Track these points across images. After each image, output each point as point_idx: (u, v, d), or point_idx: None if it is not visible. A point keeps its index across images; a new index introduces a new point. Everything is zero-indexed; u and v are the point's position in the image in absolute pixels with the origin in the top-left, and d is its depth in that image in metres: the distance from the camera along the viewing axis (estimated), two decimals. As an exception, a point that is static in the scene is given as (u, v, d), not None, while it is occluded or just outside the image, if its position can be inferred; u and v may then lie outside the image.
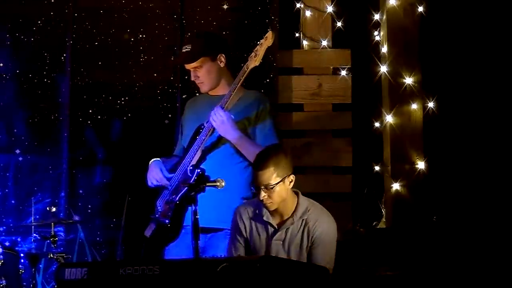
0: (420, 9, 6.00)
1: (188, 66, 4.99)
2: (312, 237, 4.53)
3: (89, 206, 6.21)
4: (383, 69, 6.01)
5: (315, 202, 4.68)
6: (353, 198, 6.17)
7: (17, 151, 6.22)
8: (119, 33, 6.29)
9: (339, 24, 6.29)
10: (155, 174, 4.94)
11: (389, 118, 5.94)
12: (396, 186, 5.86)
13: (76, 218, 6.14)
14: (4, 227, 6.14)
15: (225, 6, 6.29)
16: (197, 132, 4.92)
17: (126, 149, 6.12)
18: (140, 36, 6.28)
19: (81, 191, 6.23)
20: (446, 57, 5.98)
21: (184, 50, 4.99)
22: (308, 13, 6.33)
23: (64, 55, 6.29)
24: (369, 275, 5.41)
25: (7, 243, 5.95)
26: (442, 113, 5.93)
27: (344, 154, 6.22)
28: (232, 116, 4.83)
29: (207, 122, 4.87)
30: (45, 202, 6.12)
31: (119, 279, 3.99)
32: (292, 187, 4.64)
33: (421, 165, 5.86)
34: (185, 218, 4.84)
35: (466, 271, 5.39)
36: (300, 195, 4.65)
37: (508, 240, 5.52)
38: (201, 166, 4.79)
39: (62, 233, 6.10)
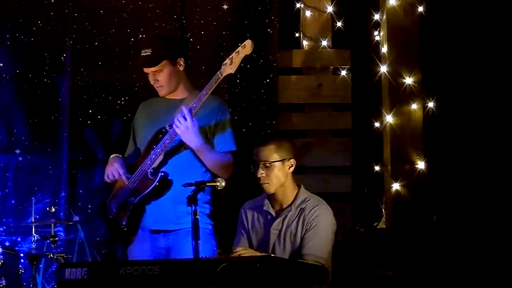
0: (420, 9, 6.00)
1: (148, 70, 4.96)
2: (306, 224, 4.53)
3: (89, 206, 6.21)
4: (383, 69, 6.01)
5: (316, 195, 4.70)
6: (353, 198, 6.17)
7: (17, 151, 6.23)
8: (119, 33, 6.30)
9: (339, 24, 6.29)
10: (116, 169, 4.93)
11: (389, 118, 5.94)
12: (396, 186, 5.86)
13: (76, 218, 6.15)
14: (4, 227, 6.14)
15: (225, 6, 6.29)
16: (158, 135, 4.90)
17: (126, 149, 6.12)
18: (140, 36, 6.28)
19: (81, 191, 6.24)
20: (446, 57, 5.98)
21: (144, 54, 4.92)
22: (308, 13, 6.33)
23: (64, 55, 6.30)
24: (369, 275, 5.41)
25: (7, 243, 5.96)
26: (442, 113, 5.93)
27: (344, 154, 6.22)
28: (197, 123, 4.80)
29: (169, 126, 4.85)
30: (45, 202, 6.12)
31: (119, 279, 3.99)
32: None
33: (421, 165, 5.86)
34: (142, 220, 4.86)
35: (466, 271, 5.39)
36: (302, 188, 4.68)
37: (508, 240, 5.52)
38: (163, 170, 4.79)
39: (62, 233, 6.10)
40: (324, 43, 6.29)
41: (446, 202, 5.84)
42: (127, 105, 6.25)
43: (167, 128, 4.86)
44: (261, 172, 4.58)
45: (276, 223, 4.61)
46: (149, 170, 4.82)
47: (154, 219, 4.84)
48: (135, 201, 4.82)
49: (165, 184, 4.75)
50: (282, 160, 4.59)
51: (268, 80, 6.22)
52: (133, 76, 6.25)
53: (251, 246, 4.69)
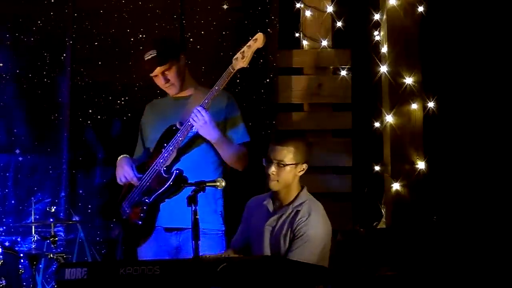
0: (420, 9, 6.00)
1: (159, 70, 4.96)
2: (295, 228, 4.52)
3: (89, 206, 6.21)
4: (383, 69, 6.01)
5: (317, 201, 4.69)
6: (353, 198, 6.17)
7: (17, 151, 6.23)
8: (119, 33, 6.30)
9: (339, 24, 6.29)
10: (126, 172, 4.94)
11: (389, 118, 5.94)
12: (396, 186, 5.86)
13: (76, 218, 6.15)
14: (4, 227, 6.14)
15: (225, 6, 6.29)
16: (168, 133, 4.90)
17: (126, 149, 6.12)
18: (140, 36, 6.28)
19: (81, 191, 6.24)
20: (446, 57, 5.98)
21: (149, 57, 4.93)
22: (308, 13, 6.33)
23: (64, 55, 6.30)
24: (369, 275, 5.41)
25: (7, 243, 5.96)
26: (442, 113, 5.93)
27: (344, 154, 6.22)
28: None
29: (180, 123, 4.86)
30: (45, 202, 6.12)
31: (119, 279, 3.99)
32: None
33: (421, 165, 5.86)
34: (157, 219, 4.86)
35: (466, 271, 5.39)
36: (305, 189, 4.67)
37: (508, 240, 5.52)
38: (178, 167, 4.79)
39: (62, 233, 6.10)
40: (324, 43, 6.29)
41: (446, 202, 5.83)
42: (127, 105, 6.26)
43: (177, 125, 4.87)
44: (273, 170, 4.57)
45: (271, 220, 4.62)
46: (162, 169, 4.82)
47: (168, 217, 4.83)
48: (150, 200, 4.82)
49: (181, 181, 4.69)
50: (296, 164, 4.58)
51: (268, 80, 6.22)
52: (133, 76, 6.25)
53: (248, 240, 4.71)
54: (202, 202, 4.76)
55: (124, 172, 4.96)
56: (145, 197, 4.84)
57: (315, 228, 4.52)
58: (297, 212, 4.57)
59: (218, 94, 4.88)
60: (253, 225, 4.72)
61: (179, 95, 5.06)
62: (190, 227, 4.70)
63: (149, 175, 4.88)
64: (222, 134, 4.89)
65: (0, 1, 6.26)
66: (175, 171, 4.74)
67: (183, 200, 4.70)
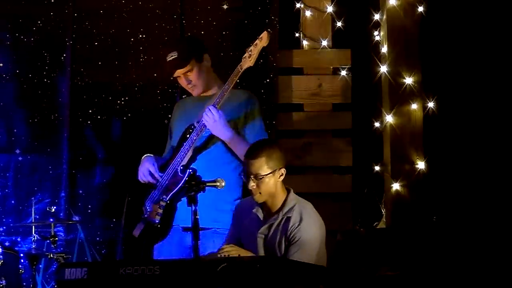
0: (420, 9, 6.00)
1: (179, 72, 4.98)
2: (289, 235, 4.51)
3: (89, 206, 6.21)
4: (383, 69, 6.01)
5: (306, 202, 4.66)
6: (353, 198, 6.17)
7: (17, 151, 6.23)
8: (119, 33, 6.29)
9: (339, 24, 6.29)
10: (147, 168, 4.95)
11: (389, 118, 5.94)
12: (396, 186, 5.86)
13: (76, 218, 6.15)
14: (4, 227, 6.14)
15: (225, 6, 6.29)
16: (187, 132, 4.93)
17: (126, 149, 6.13)
18: (140, 36, 6.28)
19: (81, 191, 6.24)
20: (446, 57, 5.98)
21: (171, 58, 4.98)
22: (308, 13, 6.33)
23: (64, 55, 6.29)
24: (369, 275, 5.41)
25: (7, 243, 5.96)
26: (442, 113, 5.93)
27: (344, 154, 6.22)
28: (224, 115, 4.84)
29: (197, 122, 4.88)
30: (45, 202, 6.12)
31: (119, 279, 3.99)
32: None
33: (421, 165, 5.86)
34: (174, 218, 4.87)
35: (466, 271, 5.39)
36: (291, 193, 4.64)
37: (508, 240, 5.52)
38: (192, 166, 4.79)
39: (62, 233, 6.10)
40: (324, 43, 6.29)
41: (446, 202, 5.84)
42: (127, 105, 6.26)
43: (195, 124, 4.89)
44: (252, 185, 4.55)
45: (263, 229, 4.60)
46: (179, 168, 4.83)
47: (186, 216, 4.83)
48: (167, 199, 4.83)
49: (195, 180, 4.67)
50: (273, 172, 4.56)
51: (268, 80, 6.22)
52: (133, 76, 6.26)
53: (241, 244, 4.69)
54: (220, 202, 4.82)
55: (144, 169, 4.98)
56: (164, 196, 4.86)
57: (309, 232, 4.51)
58: (288, 218, 4.55)
59: (240, 92, 4.96)
60: (244, 231, 4.69)
61: (203, 94, 5.07)
62: (207, 226, 4.76)
63: (168, 174, 4.91)
64: (236, 132, 4.89)
65: (0, 1, 6.26)
66: (188, 170, 4.75)
67: (201, 199, 4.70)
